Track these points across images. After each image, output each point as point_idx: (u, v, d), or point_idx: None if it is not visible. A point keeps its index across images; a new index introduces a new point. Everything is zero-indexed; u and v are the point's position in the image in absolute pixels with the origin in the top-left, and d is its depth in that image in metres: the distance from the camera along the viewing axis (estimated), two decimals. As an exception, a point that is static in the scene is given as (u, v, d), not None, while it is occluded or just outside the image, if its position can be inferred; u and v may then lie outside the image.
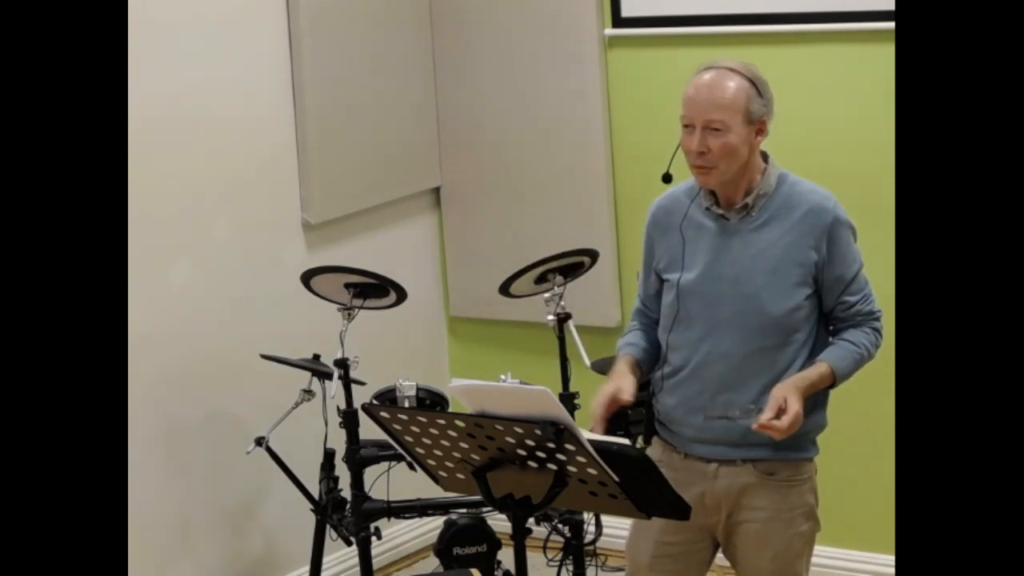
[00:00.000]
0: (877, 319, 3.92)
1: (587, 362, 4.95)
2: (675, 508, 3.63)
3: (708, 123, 3.77)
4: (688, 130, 3.81)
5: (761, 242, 3.83)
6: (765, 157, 3.90)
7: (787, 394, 3.74)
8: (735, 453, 3.85)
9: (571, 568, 4.99)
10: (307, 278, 4.99)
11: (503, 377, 4.68)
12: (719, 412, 3.82)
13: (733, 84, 3.78)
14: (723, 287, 3.85)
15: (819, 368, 3.83)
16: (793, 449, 3.86)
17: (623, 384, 3.89)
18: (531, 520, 3.83)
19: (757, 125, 3.81)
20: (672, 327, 3.92)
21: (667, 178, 4.00)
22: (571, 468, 3.52)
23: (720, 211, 3.87)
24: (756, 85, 3.81)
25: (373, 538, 4.96)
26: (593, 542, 5.09)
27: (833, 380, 3.86)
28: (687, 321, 3.89)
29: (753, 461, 3.85)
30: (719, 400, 3.84)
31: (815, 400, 3.86)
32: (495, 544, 5.05)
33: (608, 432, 3.81)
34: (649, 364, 4.01)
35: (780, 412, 3.71)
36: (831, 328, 3.92)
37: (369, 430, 4.34)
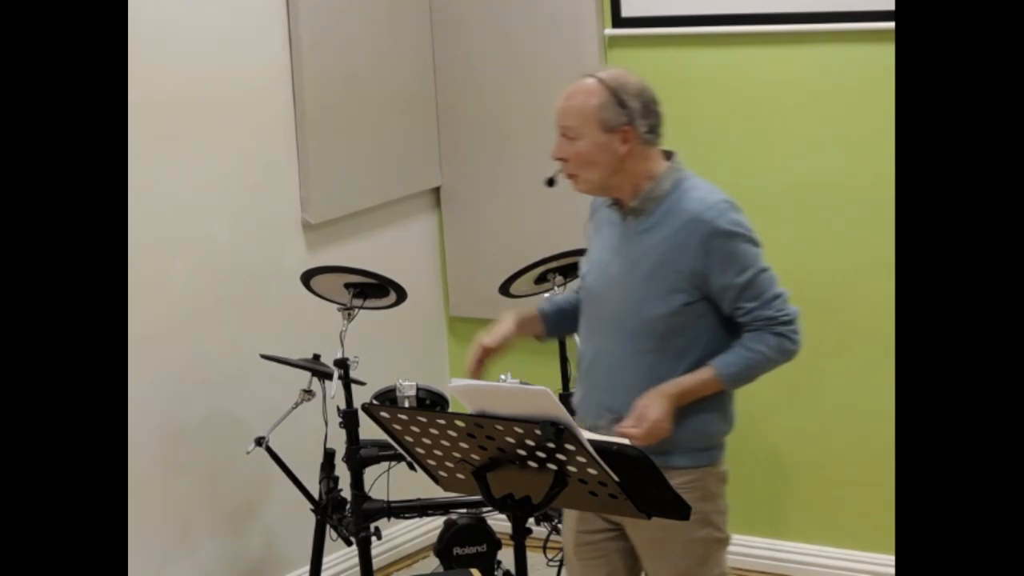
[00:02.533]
0: (782, 323, 3.90)
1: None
2: (675, 508, 3.63)
3: (563, 129, 3.86)
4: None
5: (644, 245, 3.86)
6: (670, 157, 3.93)
7: (650, 401, 3.77)
8: None
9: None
10: (307, 278, 4.99)
11: (503, 377, 4.68)
12: (590, 421, 3.85)
13: (588, 93, 3.84)
14: (610, 287, 3.90)
15: (700, 373, 3.84)
16: (681, 457, 3.86)
17: (496, 329, 3.98)
18: (531, 520, 3.83)
19: (620, 134, 3.83)
20: (580, 319, 4.02)
21: (550, 182, 4.03)
22: (571, 468, 3.52)
23: (618, 211, 3.93)
24: (616, 94, 3.83)
25: (373, 538, 4.96)
26: (593, 542, 5.08)
27: (719, 384, 3.85)
28: (584, 317, 3.98)
29: None
30: (596, 401, 3.89)
31: (702, 407, 3.85)
32: (495, 544, 5.05)
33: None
34: (560, 323, 4.10)
35: (639, 421, 3.75)
36: (739, 333, 3.91)
37: (369, 430, 4.34)
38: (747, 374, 3.89)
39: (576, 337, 4.08)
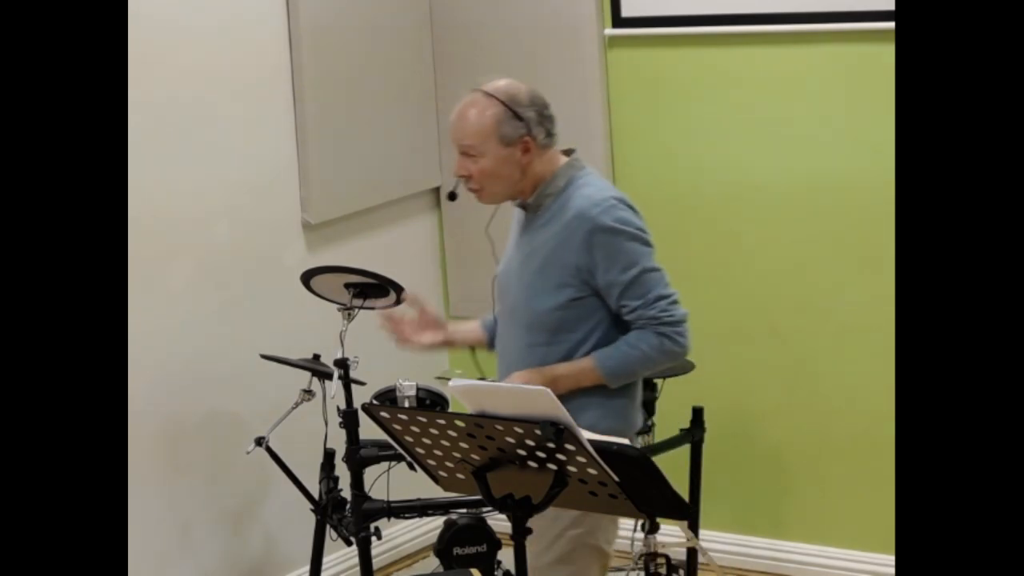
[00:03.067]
0: (667, 324, 3.89)
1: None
2: (675, 508, 3.63)
3: (463, 148, 3.93)
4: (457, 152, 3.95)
5: (537, 240, 3.94)
6: (569, 154, 3.98)
7: (525, 375, 3.84)
8: None
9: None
10: (307, 278, 4.99)
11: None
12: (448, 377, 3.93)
13: (482, 110, 3.91)
14: (510, 280, 4.00)
15: (579, 362, 3.90)
16: None
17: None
18: (531, 520, 3.83)
19: (520, 145, 3.90)
20: None
21: (452, 196, 4.07)
22: (571, 468, 3.52)
23: (522, 205, 4.01)
24: (511, 107, 3.90)
25: (373, 538, 4.96)
26: (593, 542, 5.08)
27: (596, 376, 3.88)
28: (498, 312, 4.07)
29: None
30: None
31: (584, 401, 3.88)
32: (495, 544, 5.05)
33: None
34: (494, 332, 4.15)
35: None
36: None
37: (369, 430, 4.34)
38: (626, 369, 3.93)
39: None
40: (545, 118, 3.95)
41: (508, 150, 3.90)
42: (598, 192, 3.94)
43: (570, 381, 3.87)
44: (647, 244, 3.93)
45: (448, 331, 4.21)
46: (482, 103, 3.92)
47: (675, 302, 3.93)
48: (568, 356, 3.91)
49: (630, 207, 3.95)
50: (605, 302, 3.92)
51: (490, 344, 4.19)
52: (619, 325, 3.94)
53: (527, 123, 3.91)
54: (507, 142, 3.91)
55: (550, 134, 3.95)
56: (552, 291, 3.90)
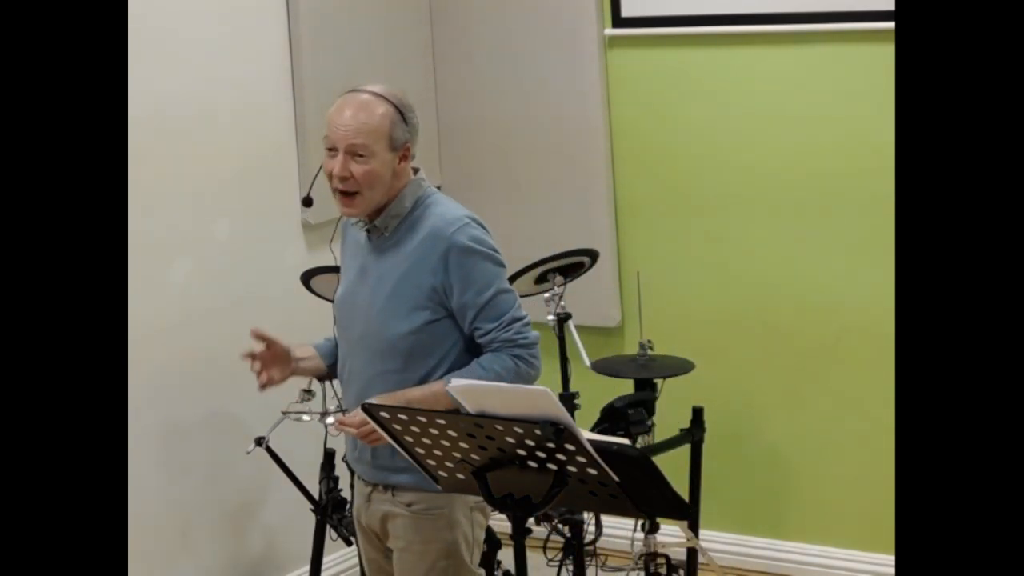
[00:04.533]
0: (520, 346, 3.81)
1: (587, 362, 4.96)
2: (675, 508, 3.63)
3: (352, 148, 3.77)
4: (331, 153, 3.81)
5: (386, 263, 3.83)
6: (415, 172, 3.87)
7: (375, 401, 3.68)
8: (377, 476, 3.90)
9: (571, 568, 4.98)
10: (307, 278, 4.99)
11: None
12: (293, 411, 3.89)
13: (379, 110, 3.77)
14: (355, 308, 3.88)
15: (432, 386, 3.80)
16: (406, 475, 3.84)
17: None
18: (531, 520, 3.83)
19: (401, 151, 3.80)
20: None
21: (307, 202, 4.00)
22: (571, 468, 3.52)
23: (367, 227, 3.88)
24: (401, 111, 3.79)
25: (373, 538, 4.96)
26: (593, 542, 5.09)
27: (448, 400, 3.71)
28: (340, 338, 3.96)
29: (393, 488, 3.87)
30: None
31: None
32: (495, 544, 5.04)
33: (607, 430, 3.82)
34: (331, 359, 4.07)
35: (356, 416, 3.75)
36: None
37: (369, 430, 4.34)
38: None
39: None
40: (417, 130, 3.84)
41: (391, 155, 3.78)
42: (450, 211, 3.82)
43: (424, 406, 3.74)
44: (501, 264, 3.84)
45: (294, 363, 4.03)
46: (374, 103, 3.78)
47: (527, 324, 3.85)
48: (423, 381, 3.82)
49: (482, 226, 3.84)
50: (458, 324, 3.83)
51: (330, 370, 4.07)
52: (471, 348, 3.85)
53: (411, 130, 3.81)
54: (393, 147, 3.78)
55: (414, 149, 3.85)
56: (406, 315, 3.79)
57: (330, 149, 3.82)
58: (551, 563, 5.12)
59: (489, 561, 5.02)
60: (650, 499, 3.59)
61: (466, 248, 3.78)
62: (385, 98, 3.80)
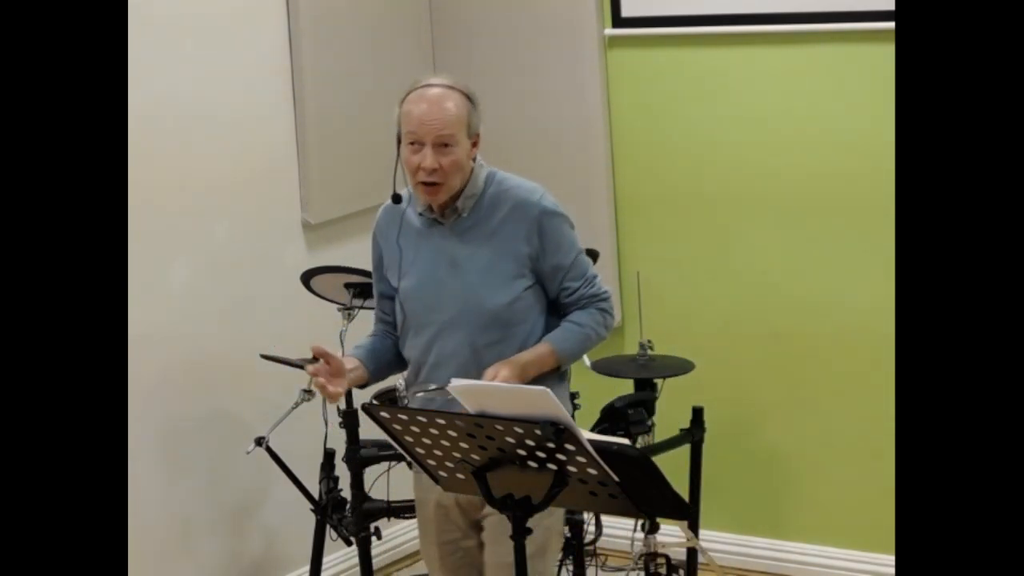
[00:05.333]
0: (603, 299, 4.00)
1: (587, 362, 4.95)
2: (675, 508, 3.63)
3: (440, 139, 3.85)
4: (414, 148, 3.87)
5: (474, 242, 3.92)
6: (473, 159, 3.96)
7: (498, 367, 3.82)
8: None
9: (571, 568, 4.98)
10: (307, 278, 4.99)
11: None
12: (421, 386, 3.90)
13: (456, 100, 3.88)
14: (444, 289, 3.93)
15: (538, 348, 3.92)
16: None
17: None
18: (531, 520, 3.83)
19: (474, 138, 3.91)
20: (405, 334, 4.02)
21: (396, 198, 4.03)
22: (571, 468, 3.52)
23: (434, 216, 3.95)
24: (471, 99, 3.91)
25: (373, 538, 4.96)
26: (593, 542, 5.08)
27: (555, 358, 3.92)
28: (415, 327, 3.99)
29: None
30: (445, 403, 3.86)
31: (547, 387, 3.87)
32: (495, 544, 5.04)
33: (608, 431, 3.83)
34: (379, 365, 4.08)
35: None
36: (561, 314, 3.99)
37: (369, 430, 4.34)
38: (579, 349, 3.99)
39: (407, 351, 4.03)
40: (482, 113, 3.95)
41: (468, 142, 3.90)
42: (524, 182, 3.98)
43: (534, 368, 3.88)
44: (573, 226, 4.00)
45: (348, 375, 4.04)
46: (449, 94, 3.89)
47: (600, 279, 4.03)
48: (521, 348, 3.92)
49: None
50: (543, 290, 3.95)
51: (372, 377, 4.09)
52: (551, 313, 3.99)
53: (480, 116, 3.93)
54: (470, 134, 3.90)
55: None
56: (505, 285, 3.90)
57: (412, 143, 3.87)
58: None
59: (489, 561, 5.02)
60: (650, 499, 3.59)
61: (554, 212, 3.93)
62: (456, 88, 3.91)
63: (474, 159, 3.95)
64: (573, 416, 4.08)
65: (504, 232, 3.90)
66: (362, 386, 4.17)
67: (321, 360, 3.92)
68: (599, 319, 3.99)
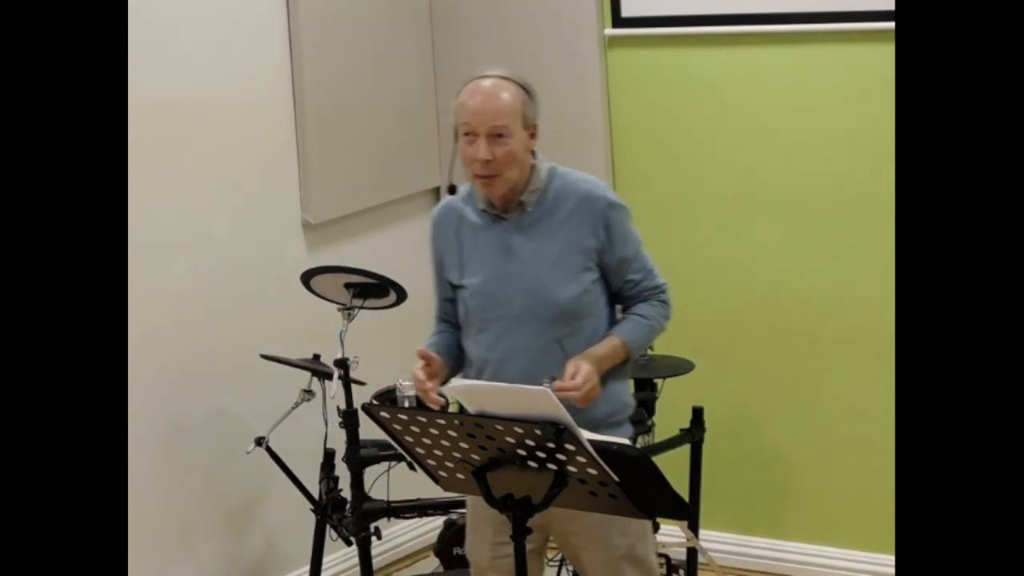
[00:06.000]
0: (663, 291, 4.02)
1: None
2: (675, 508, 3.63)
3: (494, 130, 3.84)
4: (469, 139, 3.87)
5: (540, 236, 3.90)
6: (532, 154, 3.95)
7: (578, 361, 3.81)
8: None
9: (571, 568, 4.98)
10: (307, 278, 4.99)
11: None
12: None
13: (511, 91, 3.87)
14: (511, 285, 3.91)
15: (609, 341, 3.92)
16: (608, 431, 3.86)
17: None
18: (531, 520, 3.83)
19: (531, 130, 3.89)
20: (468, 332, 4.00)
21: (452, 189, 4.03)
22: (571, 468, 3.52)
23: (496, 212, 3.94)
24: (527, 90, 3.89)
25: (373, 538, 4.96)
26: (593, 542, 5.08)
27: (625, 351, 3.93)
28: (480, 324, 3.96)
29: None
30: None
31: (614, 380, 3.91)
32: (495, 544, 5.04)
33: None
34: (455, 361, 4.07)
35: (573, 378, 3.78)
36: (622, 308, 4.01)
37: (369, 430, 4.34)
38: (645, 341, 4.01)
39: (471, 349, 4.01)
40: (539, 105, 3.94)
41: (524, 134, 3.88)
42: (586, 176, 3.98)
43: (608, 362, 3.89)
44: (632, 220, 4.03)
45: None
46: (504, 84, 3.88)
47: (658, 271, 4.05)
48: (588, 342, 3.90)
49: None
50: (606, 283, 3.95)
51: (453, 372, 4.09)
52: (612, 305, 4.00)
53: (536, 108, 3.90)
54: (526, 125, 3.88)
55: None
56: (575, 278, 3.89)
57: (467, 135, 3.87)
58: (551, 563, 5.12)
59: (489, 561, 5.02)
60: (650, 499, 3.59)
61: (619, 206, 3.95)
62: (511, 79, 3.90)
63: (533, 153, 3.93)
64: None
65: (571, 225, 3.89)
66: (443, 381, 4.15)
67: (423, 363, 3.90)
68: (661, 311, 4.01)
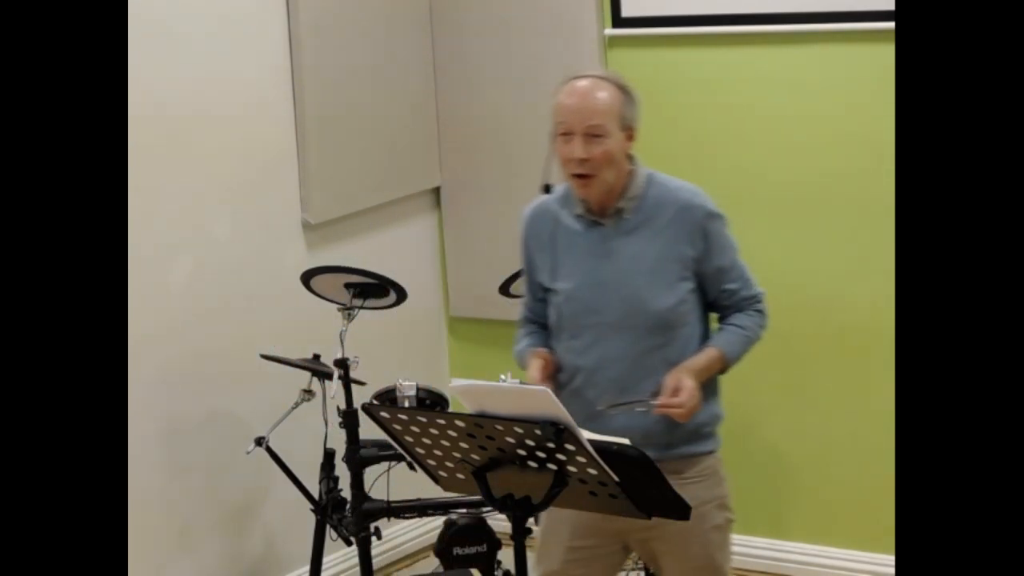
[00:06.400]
0: (759, 301, 4.00)
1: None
2: (675, 508, 3.63)
3: (590, 129, 3.81)
4: (566, 138, 3.84)
5: (638, 244, 3.87)
6: (631, 159, 3.93)
7: (679, 375, 3.79)
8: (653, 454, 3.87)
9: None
10: (307, 278, 4.99)
11: (503, 377, 4.67)
12: (613, 400, 3.83)
13: (609, 91, 3.84)
14: (605, 292, 3.88)
15: (708, 352, 3.90)
16: (693, 444, 3.91)
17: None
18: (531, 520, 3.83)
19: (628, 132, 3.86)
20: (560, 337, 3.96)
21: (547, 188, 4.01)
22: (571, 468, 3.52)
23: (593, 217, 3.90)
24: (625, 92, 3.87)
25: (373, 538, 4.96)
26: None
27: (723, 363, 3.92)
28: (573, 329, 3.92)
29: (656, 462, 3.85)
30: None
31: (707, 392, 3.89)
32: (495, 544, 5.05)
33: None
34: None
35: (676, 393, 3.76)
36: (718, 317, 3.99)
37: (369, 430, 4.34)
38: (742, 353, 3.99)
39: (561, 354, 3.97)
40: (639, 108, 3.91)
41: (622, 135, 3.84)
42: (685, 184, 3.95)
43: (705, 374, 3.87)
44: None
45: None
46: (602, 84, 3.85)
47: (755, 280, 4.02)
48: (683, 351, 3.87)
49: None
50: (701, 292, 3.93)
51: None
52: (707, 314, 3.98)
53: (637, 110, 3.88)
54: (624, 127, 3.85)
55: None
56: (671, 288, 3.86)
57: (564, 134, 3.84)
58: (551, 563, 5.12)
59: (489, 561, 5.03)
60: (650, 499, 3.59)
61: (717, 215, 3.92)
62: (610, 80, 3.88)
63: (632, 159, 3.91)
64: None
65: (669, 234, 3.86)
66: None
67: (541, 363, 3.90)
68: (759, 321, 3.99)
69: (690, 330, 3.89)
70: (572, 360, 3.93)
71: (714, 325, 4.03)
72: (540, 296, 4.02)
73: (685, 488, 3.78)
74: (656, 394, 3.77)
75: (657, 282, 3.85)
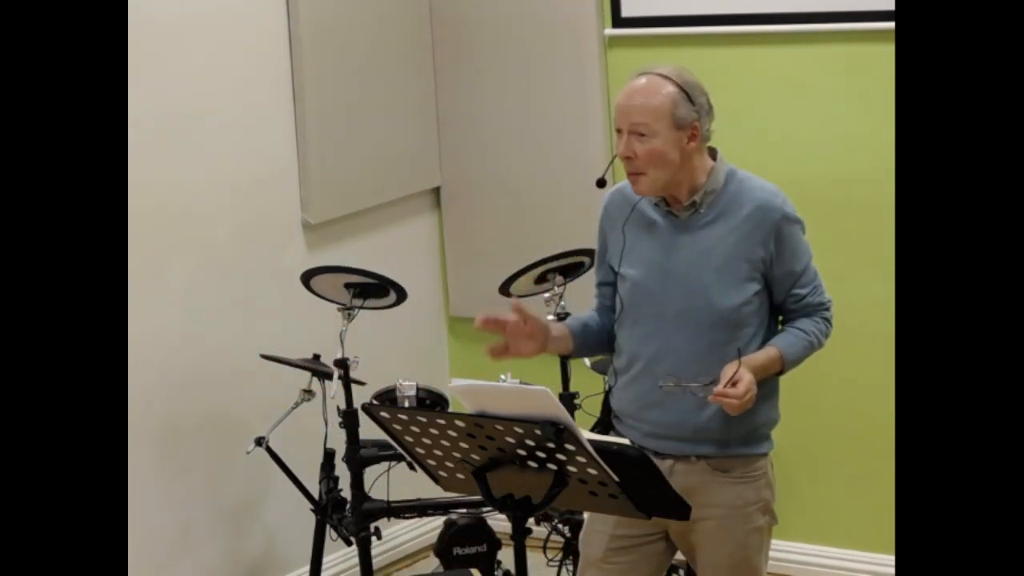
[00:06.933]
0: (827, 309, 3.96)
1: (587, 362, 4.95)
2: (676, 507, 3.63)
3: (634, 127, 3.81)
4: (619, 135, 3.85)
5: (709, 239, 3.86)
6: (714, 154, 3.92)
7: (739, 367, 3.75)
8: (689, 449, 3.86)
9: (571, 568, 4.99)
10: (307, 278, 4.99)
11: (503, 377, 4.68)
12: (673, 381, 3.82)
13: (663, 90, 3.82)
14: (671, 284, 3.87)
15: (768, 351, 3.87)
16: (746, 445, 3.89)
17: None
18: (531, 520, 3.83)
19: (689, 131, 3.83)
20: (622, 322, 3.96)
21: (601, 183, 4.01)
22: (571, 468, 3.52)
23: (669, 208, 3.90)
24: (686, 90, 3.84)
25: (373, 538, 4.96)
26: (593, 542, 5.08)
27: (782, 365, 3.88)
28: (635, 317, 3.92)
29: (707, 458, 3.86)
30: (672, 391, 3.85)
31: (765, 393, 3.86)
32: (495, 544, 5.05)
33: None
34: (586, 340, 4.03)
35: (733, 385, 3.73)
36: (782, 319, 3.96)
37: (369, 430, 4.34)
38: (803, 357, 3.94)
39: (623, 340, 3.98)
40: (711, 112, 3.89)
41: (678, 134, 3.81)
42: (766, 184, 3.94)
43: (762, 372, 3.83)
44: (805, 232, 3.98)
45: (548, 341, 3.98)
46: (658, 83, 3.84)
47: (824, 286, 3.99)
48: (744, 351, 3.84)
49: None
50: (769, 294, 3.91)
51: (575, 351, 4.09)
52: (773, 316, 3.95)
53: (699, 110, 3.85)
54: (679, 125, 3.81)
55: (710, 129, 3.89)
56: (739, 286, 3.84)
57: (618, 131, 3.86)
58: (551, 563, 5.12)
59: (489, 561, 5.03)
60: (650, 499, 3.59)
61: (794, 218, 3.92)
62: (669, 78, 3.85)
63: (714, 154, 3.89)
64: (574, 416, 4.08)
65: (742, 233, 3.85)
66: (564, 356, 4.11)
67: (516, 315, 3.85)
68: (823, 328, 3.94)
69: (753, 331, 3.87)
70: (632, 347, 3.93)
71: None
72: (609, 279, 4.01)
73: (731, 487, 3.81)
74: (714, 382, 3.76)
75: (724, 279, 3.84)
